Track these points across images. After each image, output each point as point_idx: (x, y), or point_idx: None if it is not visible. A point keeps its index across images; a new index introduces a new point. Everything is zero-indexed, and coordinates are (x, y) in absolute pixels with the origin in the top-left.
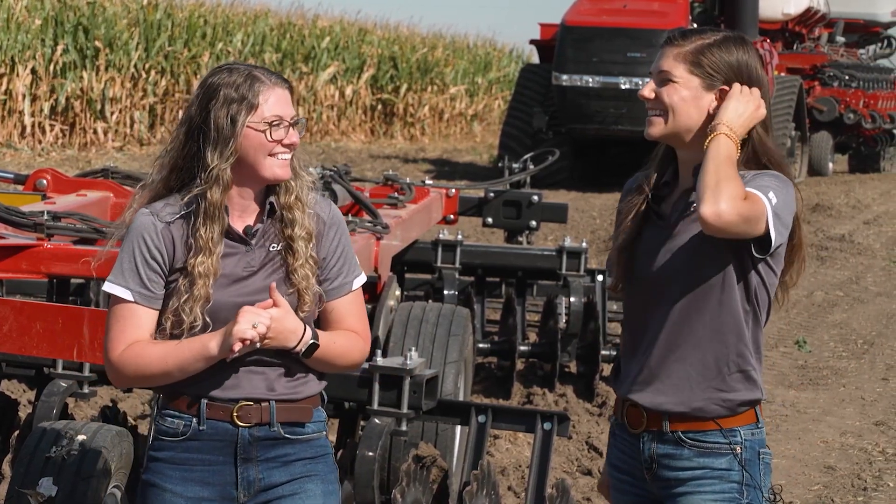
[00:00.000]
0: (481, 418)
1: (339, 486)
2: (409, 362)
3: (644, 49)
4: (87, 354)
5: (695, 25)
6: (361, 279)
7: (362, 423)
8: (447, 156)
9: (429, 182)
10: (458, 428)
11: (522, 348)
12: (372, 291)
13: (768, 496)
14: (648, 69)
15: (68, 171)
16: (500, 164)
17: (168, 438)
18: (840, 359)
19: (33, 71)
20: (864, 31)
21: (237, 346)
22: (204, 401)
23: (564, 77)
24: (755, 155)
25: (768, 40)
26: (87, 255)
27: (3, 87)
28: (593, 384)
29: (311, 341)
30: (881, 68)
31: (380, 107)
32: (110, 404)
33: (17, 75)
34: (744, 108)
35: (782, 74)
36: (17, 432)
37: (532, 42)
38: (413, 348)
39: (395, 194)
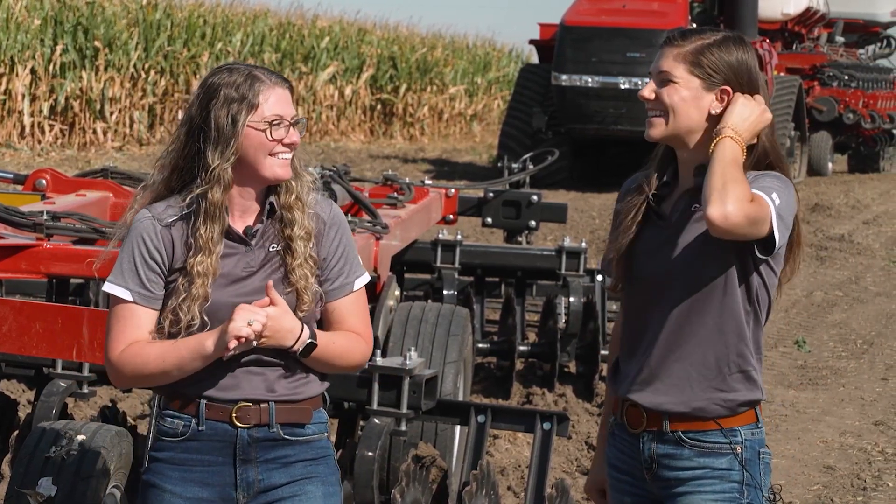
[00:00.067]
0: (481, 418)
1: (340, 488)
2: (408, 362)
3: (643, 49)
4: (86, 354)
5: (694, 25)
6: (363, 280)
7: (362, 423)
8: (446, 156)
9: (428, 182)
10: (458, 428)
11: (522, 348)
12: (371, 291)
13: (768, 496)
14: (648, 69)
15: (67, 171)
16: (499, 164)
17: (168, 439)
18: (839, 359)
19: (33, 71)
20: (863, 31)
21: (232, 344)
22: (203, 401)
23: (564, 77)
24: (762, 159)
25: (768, 40)
26: (86, 255)
27: (3, 87)
28: (593, 384)
29: (309, 340)
30: (880, 68)
31: (379, 107)
32: (110, 404)
33: (17, 75)
34: (749, 112)
35: (781, 74)
36: (16, 432)
37: (531, 42)
38: (412, 348)
39: (395, 194)
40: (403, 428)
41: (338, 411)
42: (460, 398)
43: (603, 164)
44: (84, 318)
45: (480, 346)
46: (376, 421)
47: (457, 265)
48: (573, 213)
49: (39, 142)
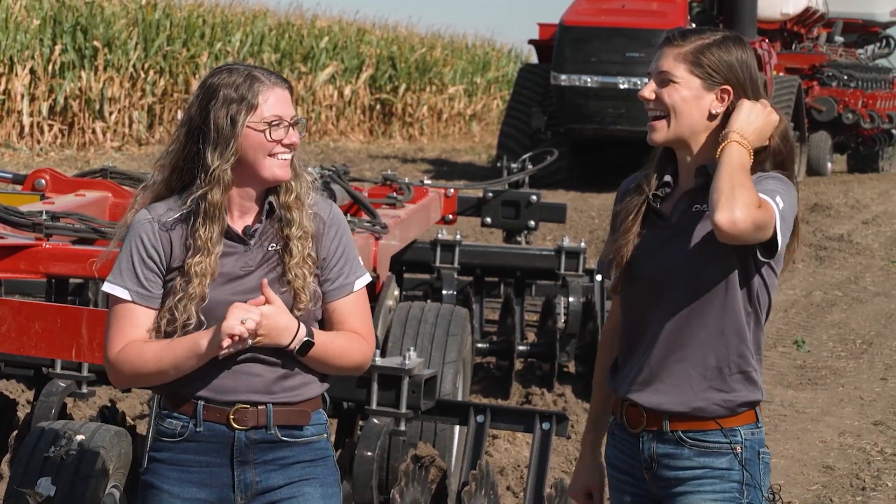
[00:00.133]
0: (480, 418)
1: (339, 489)
2: (407, 362)
3: (643, 49)
4: (85, 354)
5: (693, 25)
6: (364, 280)
7: (361, 422)
8: (446, 156)
9: (427, 182)
10: (457, 428)
11: (521, 348)
12: (370, 291)
13: (768, 496)
14: (647, 69)
15: (67, 171)
16: (498, 164)
17: (166, 439)
18: (839, 359)
19: (32, 71)
20: (862, 31)
21: (226, 342)
22: (201, 403)
23: (563, 77)
24: (775, 159)
25: (767, 40)
26: (85, 255)
27: (2, 87)
28: (592, 384)
29: (306, 338)
30: (880, 68)
31: (378, 107)
32: (109, 404)
33: (16, 75)
34: (755, 116)
35: (781, 74)
36: (15, 432)
37: (531, 42)
38: (412, 348)
39: (394, 194)
40: (402, 428)
41: (337, 411)
42: (459, 398)
43: (602, 164)
44: (83, 318)
45: (480, 345)
46: (375, 421)
47: (456, 265)
48: (572, 213)
49: (38, 142)
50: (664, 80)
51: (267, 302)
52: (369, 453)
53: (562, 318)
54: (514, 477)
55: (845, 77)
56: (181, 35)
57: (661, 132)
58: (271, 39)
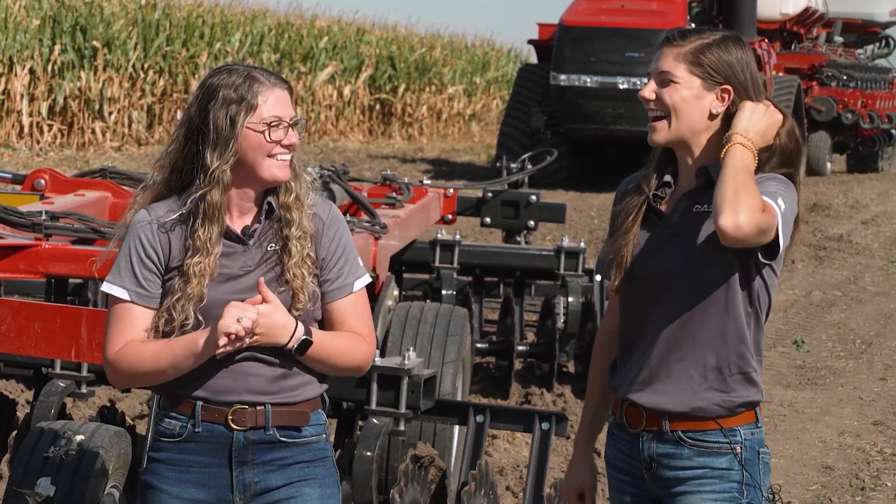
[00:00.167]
0: (479, 418)
1: (338, 490)
2: (407, 362)
3: (642, 49)
4: (85, 354)
5: (693, 25)
6: (363, 281)
7: (360, 422)
8: (445, 156)
9: (427, 182)
10: (457, 428)
11: (520, 348)
12: (370, 291)
13: (767, 496)
14: (646, 69)
15: (66, 171)
16: (498, 164)
17: (165, 439)
18: (838, 359)
19: (31, 71)
20: (862, 31)
21: (222, 341)
22: (199, 403)
23: (562, 77)
24: (783, 158)
25: (766, 40)
26: (85, 255)
27: (2, 87)
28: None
29: (304, 337)
30: (879, 68)
31: (378, 107)
32: (108, 404)
33: (16, 75)
34: (758, 116)
35: (780, 74)
36: (15, 432)
37: (530, 42)
38: (411, 348)
39: (394, 194)
40: (402, 428)
41: (336, 411)
42: (459, 398)
43: (602, 164)
44: (83, 318)
45: (479, 345)
46: (375, 421)
47: (455, 265)
48: (572, 212)
49: (38, 142)
50: (664, 81)
51: (264, 301)
52: (369, 453)
53: (561, 318)
54: (513, 477)
55: (845, 77)
56: (181, 35)
57: (661, 132)
58: (271, 39)
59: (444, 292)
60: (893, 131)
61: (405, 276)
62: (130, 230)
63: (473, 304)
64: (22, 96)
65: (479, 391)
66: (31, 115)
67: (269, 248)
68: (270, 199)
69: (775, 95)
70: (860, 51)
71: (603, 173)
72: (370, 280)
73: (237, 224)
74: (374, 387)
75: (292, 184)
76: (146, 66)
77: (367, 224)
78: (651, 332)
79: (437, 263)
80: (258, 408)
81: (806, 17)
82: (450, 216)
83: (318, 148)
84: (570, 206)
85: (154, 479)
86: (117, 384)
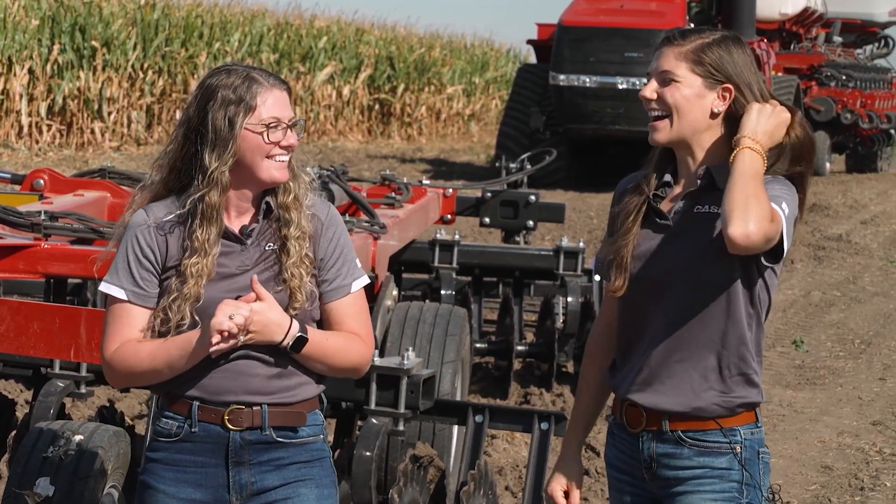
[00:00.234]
0: (478, 418)
1: (335, 491)
2: (406, 362)
3: (641, 49)
4: (84, 354)
5: (692, 25)
6: (362, 282)
7: (359, 422)
8: (444, 156)
9: (426, 182)
10: (456, 428)
11: (520, 348)
12: (369, 291)
13: (767, 495)
14: (645, 69)
15: (65, 171)
16: (497, 164)
17: (163, 439)
18: (837, 359)
19: (30, 71)
20: (861, 31)
21: (215, 338)
22: (196, 403)
23: (561, 77)
24: (795, 154)
25: (765, 40)
26: (84, 255)
27: (1, 87)
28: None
29: (299, 334)
30: (878, 68)
31: (377, 107)
32: (107, 404)
33: (15, 75)
34: (765, 117)
35: (779, 74)
36: (14, 432)
37: (529, 42)
38: (410, 348)
39: (393, 194)
40: (401, 428)
41: (335, 411)
42: (458, 398)
43: (601, 164)
44: (82, 318)
45: (478, 345)
46: (374, 421)
47: (454, 265)
48: (571, 212)
49: (37, 142)
50: (666, 80)
51: (258, 298)
52: (368, 453)
53: (560, 318)
54: (512, 477)
55: (844, 77)
56: (180, 35)
57: (663, 132)
58: (270, 39)
59: (443, 292)
60: (892, 131)
61: (404, 276)
62: (128, 230)
63: (472, 304)
64: (21, 96)
65: (479, 391)
66: (30, 115)
67: (267, 248)
68: (268, 198)
69: (774, 95)
70: (859, 51)
71: (602, 173)
72: (368, 281)
73: (235, 224)
74: (374, 387)
75: (291, 184)
76: (145, 66)
77: (367, 224)
78: (651, 333)
79: (436, 263)
80: (254, 408)
81: (805, 17)
82: (449, 216)
83: (317, 148)
84: (569, 206)
85: (151, 479)
86: (114, 383)
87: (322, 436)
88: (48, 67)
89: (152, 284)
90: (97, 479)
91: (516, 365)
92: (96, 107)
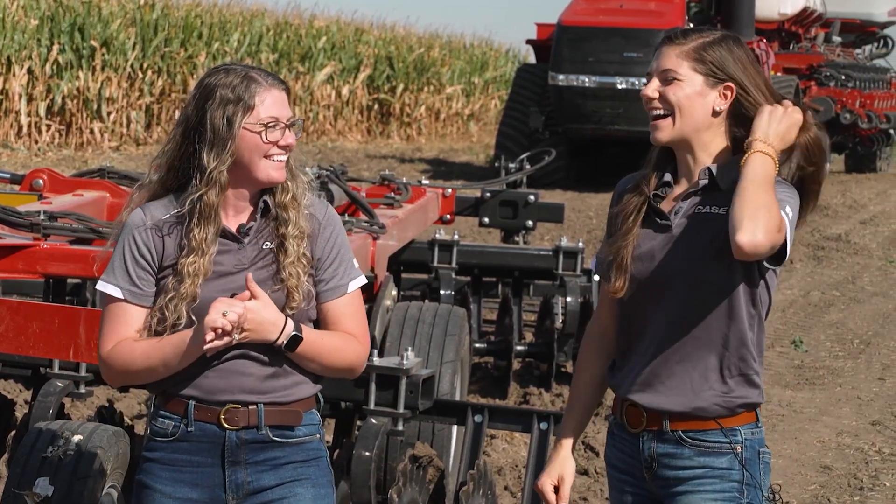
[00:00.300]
0: (478, 418)
1: (332, 490)
2: (405, 362)
3: (640, 49)
4: (83, 354)
5: (691, 25)
6: (358, 282)
7: (359, 422)
8: (444, 156)
9: (425, 182)
10: (455, 428)
11: (519, 348)
12: (368, 291)
13: (768, 495)
14: (645, 69)
15: (65, 171)
16: (496, 164)
17: (160, 439)
18: (836, 358)
19: (29, 71)
20: (860, 31)
21: (209, 336)
22: (192, 402)
23: (561, 77)
24: (806, 158)
25: (765, 40)
26: (83, 255)
27: (0, 87)
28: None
29: (294, 333)
30: (877, 68)
31: (376, 107)
32: (107, 404)
33: (14, 75)
34: (776, 120)
35: (778, 74)
36: (13, 432)
37: (528, 42)
38: (409, 348)
39: (392, 194)
40: (400, 428)
41: (335, 411)
42: (457, 398)
43: (600, 164)
44: (81, 318)
45: (477, 345)
46: (373, 421)
47: (454, 265)
48: (570, 212)
49: (36, 142)
50: (667, 78)
51: (252, 297)
52: (367, 453)
53: (559, 318)
54: (511, 477)
55: (843, 77)
56: (179, 35)
57: (665, 130)
58: (269, 39)
59: (442, 292)
60: (891, 131)
61: (403, 276)
62: (125, 229)
63: (472, 304)
64: (20, 96)
65: (478, 391)
66: (29, 115)
67: (264, 247)
68: (266, 197)
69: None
70: (858, 51)
71: (601, 173)
72: (365, 281)
73: (232, 222)
74: (373, 387)
75: (289, 183)
76: (144, 66)
77: (366, 224)
78: (651, 333)
79: (435, 263)
80: (250, 407)
81: (804, 17)
82: (448, 216)
83: (316, 148)
84: (568, 205)
85: (148, 479)
86: (111, 382)
87: (318, 435)
88: (47, 67)
89: (149, 284)
90: (96, 479)
91: (515, 365)
92: (95, 107)
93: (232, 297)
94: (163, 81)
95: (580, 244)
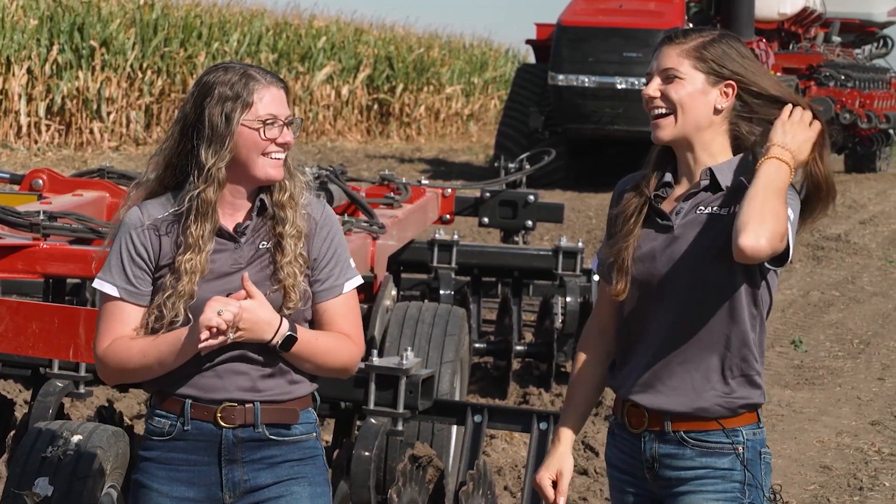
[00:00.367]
0: (477, 418)
1: (328, 489)
2: (405, 362)
3: (640, 49)
4: (83, 354)
5: (690, 25)
6: (354, 282)
7: (358, 422)
8: (443, 156)
9: (425, 182)
10: (455, 428)
11: (518, 348)
12: (368, 291)
13: (769, 496)
14: (644, 69)
15: (64, 171)
16: (496, 164)
17: (156, 438)
18: (836, 358)
19: (29, 71)
20: (860, 31)
21: (204, 335)
22: (188, 401)
23: (560, 77)
24: (812, 190)
25: (764, 40)
26: (83, 255)
27: (0, 87)
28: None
29: (288, 333)
30: (877, 68)
31: (376, 107)
32: (106, 404)
33: (13, 75)
34: (797, 128)
35: (778, 74)
36: (13, 432)
37: (528, 42)
38: (409, 348)
39: (392, 194)
40: (400, 428)
41: (334, 411)
42: (457, 398)
43: (600, 164)
44: (80, 318)
45: (477, 345)
46: (373, 421)
47: (453, 265)
48: (570, 212)
49: (36, 142)
50: (669, 77)
51: (248, 296)
52: (367, 453)
53: (559, 318)
54: (511, 477)
55: (843, 77)
56: (178, 35)
57: (667, 129)
58: (269, 39)
59: (441, 292)
60: (891, 131)
61: (403, 276)
62: (122, 228)
63: (471, 304)
64: (20, 96)
65: (477, 391)
66: (28, 115)
67: (261, 246)
68: (263, 196)
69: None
70: (858, 51)
71: (601, 173)
72: (361, 281)
73: (229, 221)
74: (372, 387)
75: (287, 182)
76: (144, 65)
77: (365, 224)
78: (652, 334)
79: (435, 263)
80: (247, 405)
81: (804, 17)
82: (448, 216)
83: (315, 148)
84: (567, 205)
85: (145, 478)
86: (107, 380)
87: (315, 434)
88: (47, 67)
89: (145, 283)
90: (96, 479)
91: (515, 365)
92: (95, 107)
93: (228, 296)
94: (162, 81)
95: (580, 244)
